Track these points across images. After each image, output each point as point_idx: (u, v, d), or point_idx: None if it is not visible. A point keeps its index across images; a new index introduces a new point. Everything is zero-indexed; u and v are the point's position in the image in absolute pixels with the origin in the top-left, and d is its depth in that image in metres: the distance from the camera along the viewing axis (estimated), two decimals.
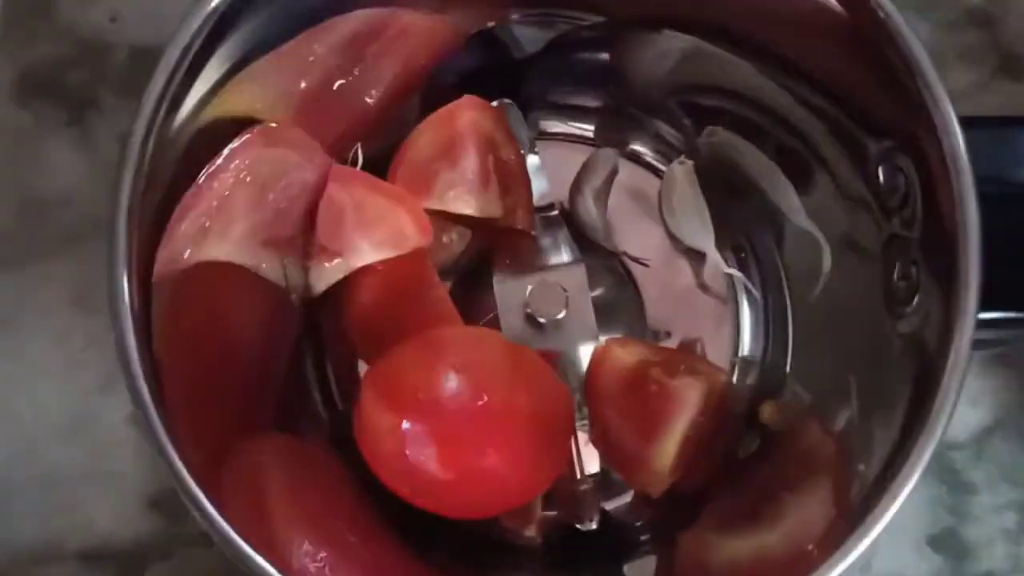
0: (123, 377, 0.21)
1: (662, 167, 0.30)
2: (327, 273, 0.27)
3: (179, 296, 0.24)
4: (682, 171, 0.29)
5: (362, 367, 0.28)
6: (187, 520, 0.28)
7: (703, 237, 0.29)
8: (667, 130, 0.30)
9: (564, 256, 0.29)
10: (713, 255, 0.29)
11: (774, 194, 0.27)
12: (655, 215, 0.30)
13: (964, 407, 0.32)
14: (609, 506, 0.28)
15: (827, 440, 0.24)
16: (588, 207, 0.29)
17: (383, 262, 0.26)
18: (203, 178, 0.24)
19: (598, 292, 0.29)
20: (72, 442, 0.32)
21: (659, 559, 0.27)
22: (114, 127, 0.34)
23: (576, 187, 0.29)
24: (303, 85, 0.26)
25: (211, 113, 0.24)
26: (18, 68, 0.34)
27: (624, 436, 0.26)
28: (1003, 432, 0.32)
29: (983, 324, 0.19)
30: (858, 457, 0.21)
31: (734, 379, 0.29)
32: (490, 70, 0.29)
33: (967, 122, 0.20)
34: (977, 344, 0.26)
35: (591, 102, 0.30)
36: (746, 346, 0.29)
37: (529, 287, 0.27)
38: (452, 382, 0.25)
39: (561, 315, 0.27)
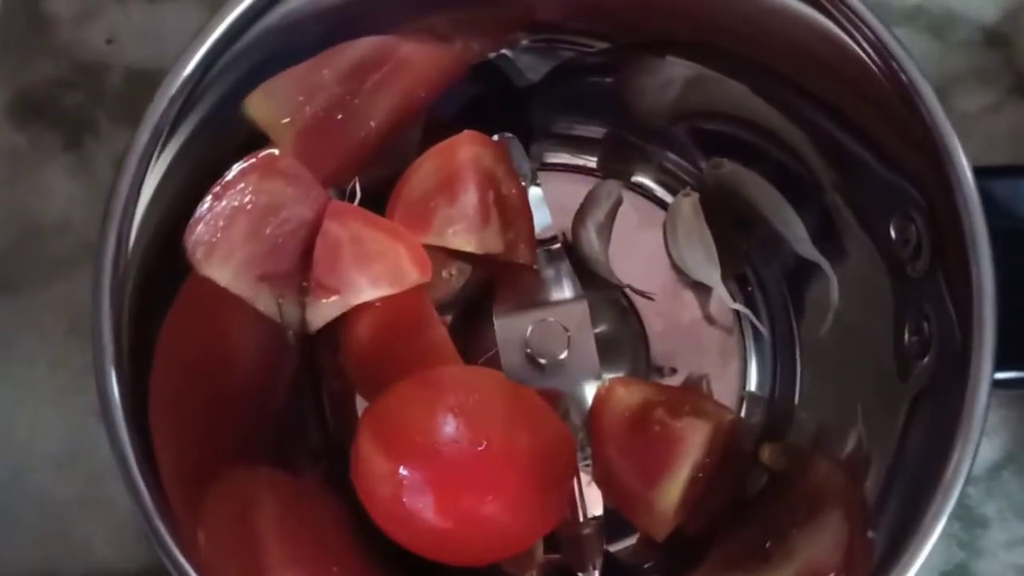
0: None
1: (667, 198, 0.30)
2: (324, 310, 0.26)
3: (181, 320, 0.24)
4: (687, 203, 0.29)
5: (360, 403, 0.28)
6: None
7: (709, 271, 0.28)
8: (671, 160, 0.29)
9: (566, 291, 0.28)
10: (719, 290, 0.28)
11: (780, 224, 0.26)
12: (660, 248, 0.29)
13: None
14: (614, 548, 0.28)
15: (837, 473, 0.24)
16: (591, 240, 0.28)
17: (381, 299, 0.26)
18: (218, 187, 0.24)
19: (601, 328, 0.28)
20: (69, 468, 0.31)
21: None
22: (111, 151, 0.33)
23: (579, 219, 0.28)
24: (308, 110, 0.25)
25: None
26: (14, 90, 0.33)
27: (628, 478, 0.26)
28: (1015, 466, 0.32)
29: (999, 384, 0.18)
30: (871, 498, 0.20)
31: (741, 415, 0.29)
32: (492, 101, 0.28)
33: (982, 172, 0.19)
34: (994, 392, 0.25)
35: (594, 132, 0.30)
36: (753, 381, 0.29)
37: (530, 327, 0.27)
38: (450, 426, 0.24)
39: (563, 355, 0.26)
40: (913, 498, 0.18)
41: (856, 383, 0.24)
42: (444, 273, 0.27)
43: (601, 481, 0.27)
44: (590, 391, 0.27)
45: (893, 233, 0.21)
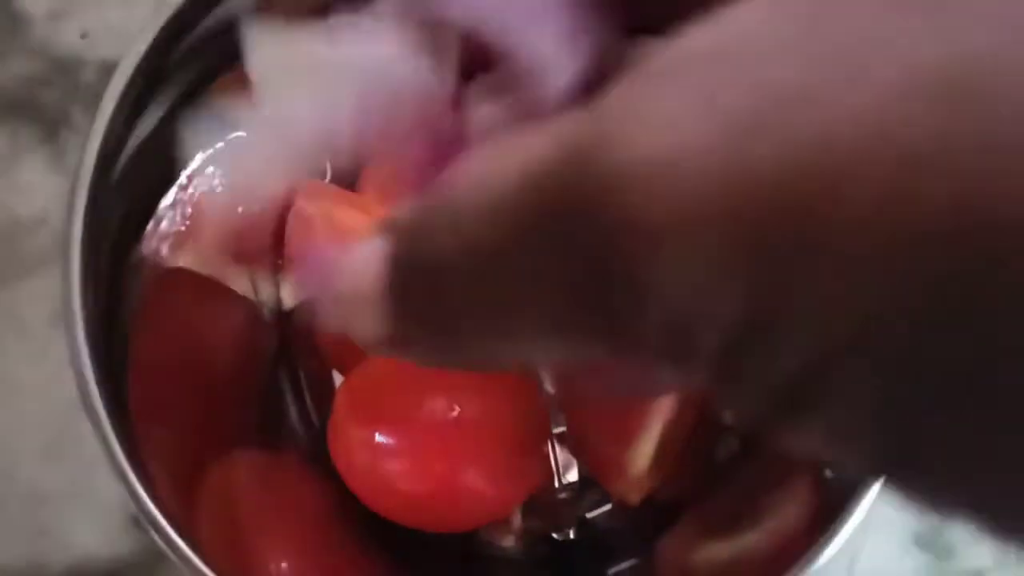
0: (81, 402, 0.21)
1: None
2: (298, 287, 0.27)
3: (155, 308, 0.24)
4: None
5: (337, 379, 0.28)
6: None
7: None
8: None
9: None
10: None
11: None
12: None
13: None
14: (591, 514, 0.28)
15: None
16: None
17: None
18: (184, 179, 0.24)
19: None
20: (53, 460, 0.32)
21: (641, 565, 0.27)
22: None
23: None
24: None
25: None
26: None
27: (601, 442, 0.26)
28: None
29: None
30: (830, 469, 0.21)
31: None
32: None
33: None
34: None
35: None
36: None
37: None
38: (425, 393, 0.25)
39: None
40: None
41: None
42: None
43: (576, 448, 0.28)
44: None
45: None
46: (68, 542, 0.31)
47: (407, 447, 0.24)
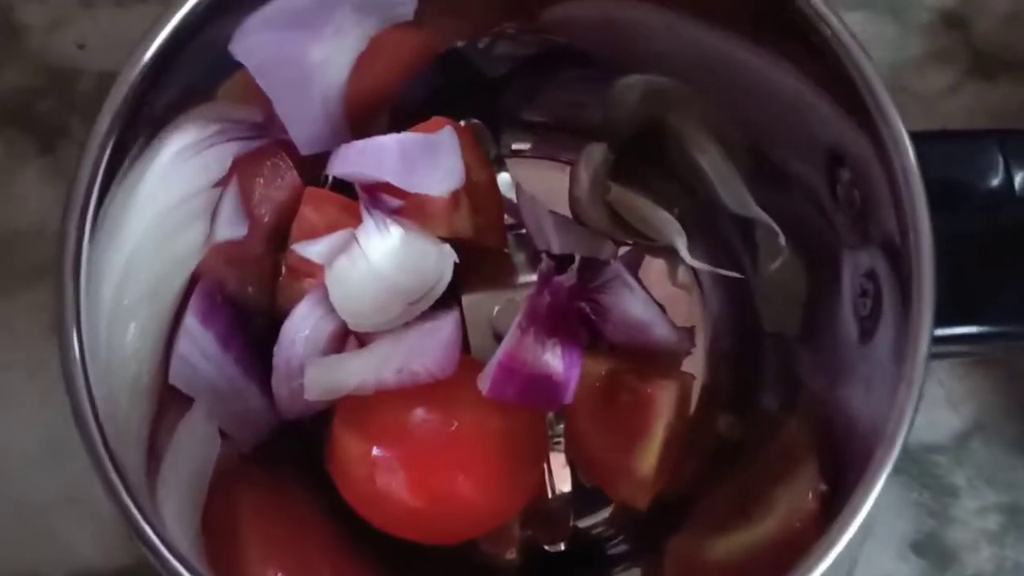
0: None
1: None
2: (296, 293, 0.27)
3: None
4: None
5: None
6: None
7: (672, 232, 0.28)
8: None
9: (535, 274, 0.28)
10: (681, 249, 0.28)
11: (721, 185, 0.27)
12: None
13: (945, 410, 0.33)
14: (584, 523, 0.28)
15: (806, 430, 0.24)
16: (586, 209, 0.28)
17: None
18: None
19: None
20: (50, 470, 0.32)
21: (645, 569, 0.27)
22: None
23: (571, 194, 0.29)
24: None
25: None
26: None
27: (603, 449, 0.26)
28: (984, 434, 0.32)
29: (942, 340, 0.19)
30: (833, 448, 0.21)
31: (709, 375, 0.29)
32: (459, 89, 0.29)
33: (922, 137, 0.19)
34: (945, 355, 0.26)
35: (563, 121, 0.30)
36: (719, 340, 0.29)
37: (496, 307, 0.27)
38: (422, 407, 0.25)
39: None
40: (871, 446, 0.19)
41: (813, 339, 0.25)
42: None
43: (576, 458, 0.28)
44: None
45: (838, 194, 0.21)
46: (66, 552, 0.31)
47: (404, 461, 0.24)
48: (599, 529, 0.29)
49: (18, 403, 0.32)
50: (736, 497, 0.25)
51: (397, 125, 0.27)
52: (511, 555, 0.28)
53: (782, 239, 0.25)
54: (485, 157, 0.28)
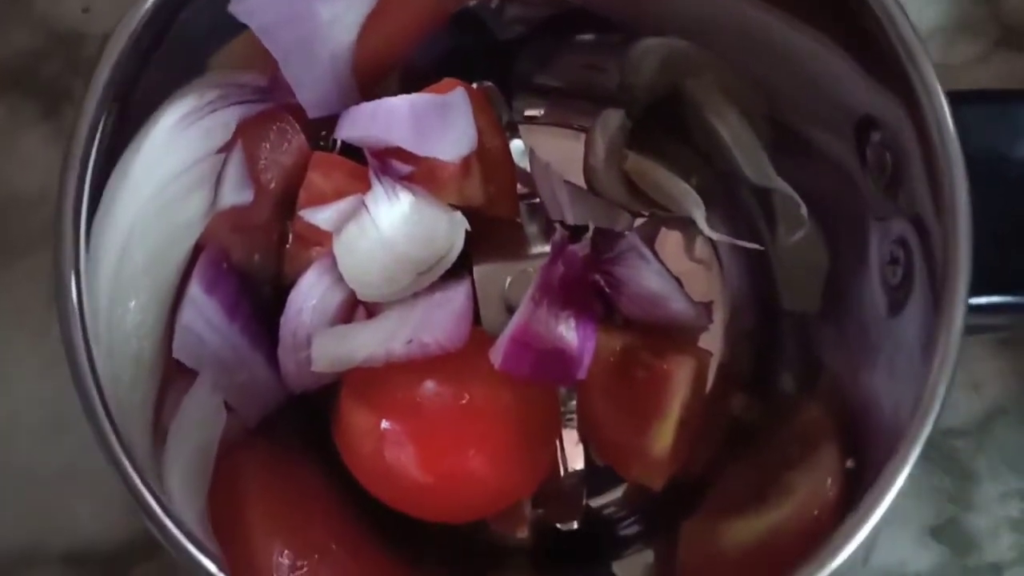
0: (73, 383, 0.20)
1: None
2: (304, 262, 0.26)
3: None
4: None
5: None
6: None
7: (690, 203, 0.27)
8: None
9: (548, 246, 0.28)
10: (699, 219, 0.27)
11: (741, 154, 0.26)
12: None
13: (967, 392, 0.32)
14: (596, 503, 0.28)
15: (826, 412, 0.23)
16: (600, 177, 0.27)
17: None
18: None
19: None
20: (52, 442, 0.31)
21: (657, 551, 0.27)
22: None
23: (586, 161, 0.28)
24: None
25: None
26: None
27: (617, 427, 0.26)
28: (1006, 419, 0.31)
29: (976, 310, 0.18)
30: (853, 433, 0.20)
31: (727, 353, 0.28)
32: (471, 52, 0.28)
33: (959, 97, 0.19)
34: (976, 328, 0.25)
35: (578, 86, 0.29)
36: (738, 317, 0.29)
37: (509, 279, 0.26)
38: (432, 381, 0.24)
39: None
40: (893, 428, 0.18)
41: (836, 315, 0.24)
42: None
43: (589, 436, 0.27)
44: None
45: (868, 160, 0.20)
46: (67, 525, 0.31)
47: (413, 434, 0.24)
48: (611, 509, 0.28)
49: (20, 372, 0.32)
50: (753, 480, 0.24)
51: (407, 89, 0.26)
52: (522, 534, 0.27)
53: (804, 210, 0.24)
54: (498, 122, 0.27)
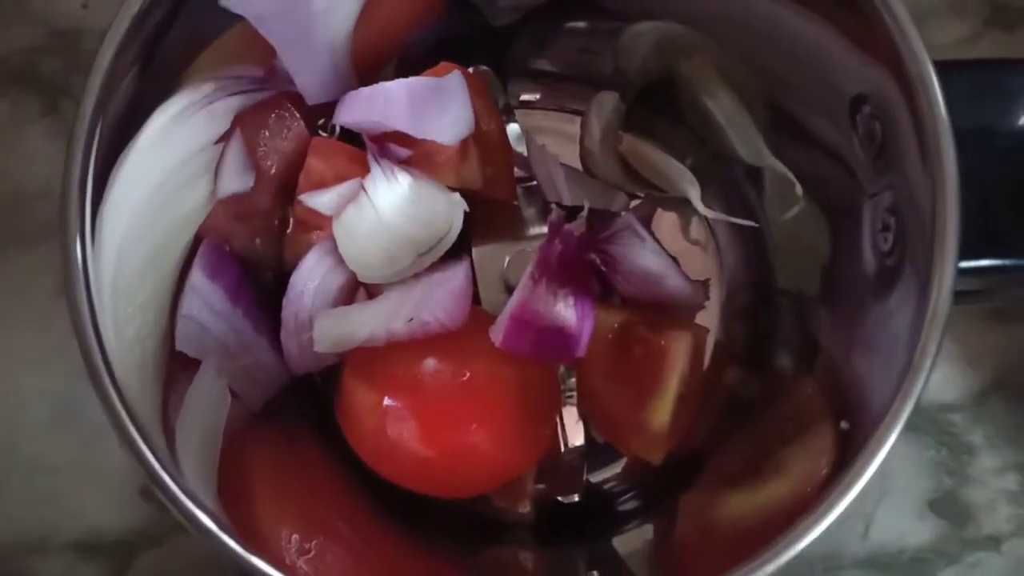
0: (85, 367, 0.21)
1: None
2: (305, 246, 0.26)
3: None
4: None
5: None
6: None
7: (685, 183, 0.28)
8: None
9: (545, 227, 0.28)
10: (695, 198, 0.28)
11: (735, 134, 0.26)
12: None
13: (962, 368, 0.32)
14: (596, 478, 0.28)
15: (820, 390, 0.24)
16: (596, 159, 0.28)
17: None
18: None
19: None
20: (59, 432, 0.32)
21: (656, 526, 0.27)
22: None
23: (582, 143, 0.28)
24: None
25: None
26: None
27: (616, 403, 0.26)
28: (1002, 393, 0.32)
29: (965, 273, 0.18)
30: (847, 408, 0.20)
31: (723, 331, 0.29)
32: (467, 37, 0.28)
33: (946, 67, 0.19)
34: (967, 296, 0.26)
35: (573, 70, 0.30)
36: (734, 296, 0.29)
37: (507, 258, 0.27)
38: (434, 358, 0.24)
39: None
40: (884, 402, 0.18)
41: (831, 292, 0.24)
42: None
43: (588, 413, 0.27)
44: None
45: (858, 131, 0.21)
46: (75, 514, 0.31)
47: (415, 410, 0.24)
48: (611, 484, 0.28)
49: (27, 363, 0.32)
50: (749, 456, 0.25)
51: (404, 74, 0.26)
52: (524, 509, 0.28)
53: (798, 188, 0.25)
54: (494, 105, 0.27)
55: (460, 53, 0.27)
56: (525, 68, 0.30)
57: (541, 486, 0.28)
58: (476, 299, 0.26)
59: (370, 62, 0.26)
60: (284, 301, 0.26)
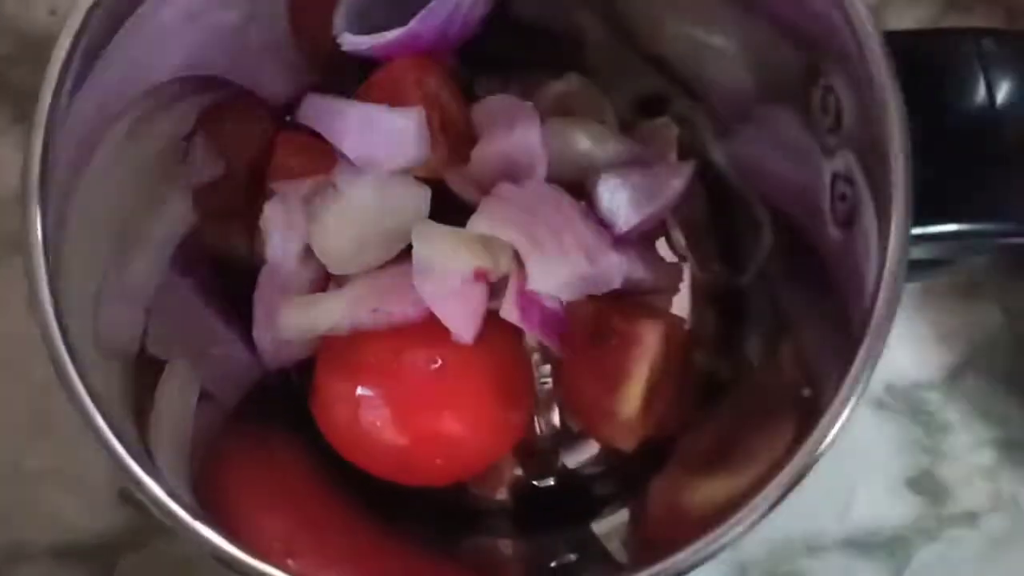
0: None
1: None
2: None
3: None
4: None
5: None
6: None
7: None
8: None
9: None
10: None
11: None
12: None
13: (935, 345, 0.32)
14: (572, 462, 0.28)
15: (787, 383, 0.24)
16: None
17: None
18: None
19: None
20: (35, 438, 0.31)
21: (632, 509, 0.27)
22: None
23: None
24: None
25: None
26: None
27: (589, 391, 0.26)
28: (975, 370, 0.32)
29: (920, 239, 0.18)
30: (812, 383, 0.21)
31: (697, 315, 0.29)
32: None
33: (896, 36, 0.19)
34: (929, 268, 0.26)
35: (540, 58, 0.30)
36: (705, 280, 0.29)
37: None
38: (406, 346, 0.25)
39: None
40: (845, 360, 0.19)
41: (794, 275, 0.25)
42: None
43: (563, 401, 0.27)
44: None
45: (815, 105, 0.21)
46: (52, 520, 0.31)
47: (388, 398, 0.24)
48: (588, 469, 0.28)
49: (3, 373, 0.32)
50: (718, 440, 0.25)
51: (367, 67, 0.27)
52: (501, 495, 0.28)
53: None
54: (460, 95, 0.28)
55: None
56: (493, 58, 0.30)
57: (517, 472, 0.28)
58: None
59: (327, 55, 0.27)
60: (255, 295, 0.26)
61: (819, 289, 0.23)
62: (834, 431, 0.18)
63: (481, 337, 0.25)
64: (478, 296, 0.24)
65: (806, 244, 0.23)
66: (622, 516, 0.27)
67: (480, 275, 0.24)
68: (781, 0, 0.21)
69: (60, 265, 0.21)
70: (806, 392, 0.20)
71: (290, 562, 0.23)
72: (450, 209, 0.27)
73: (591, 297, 0.26)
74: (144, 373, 0.24)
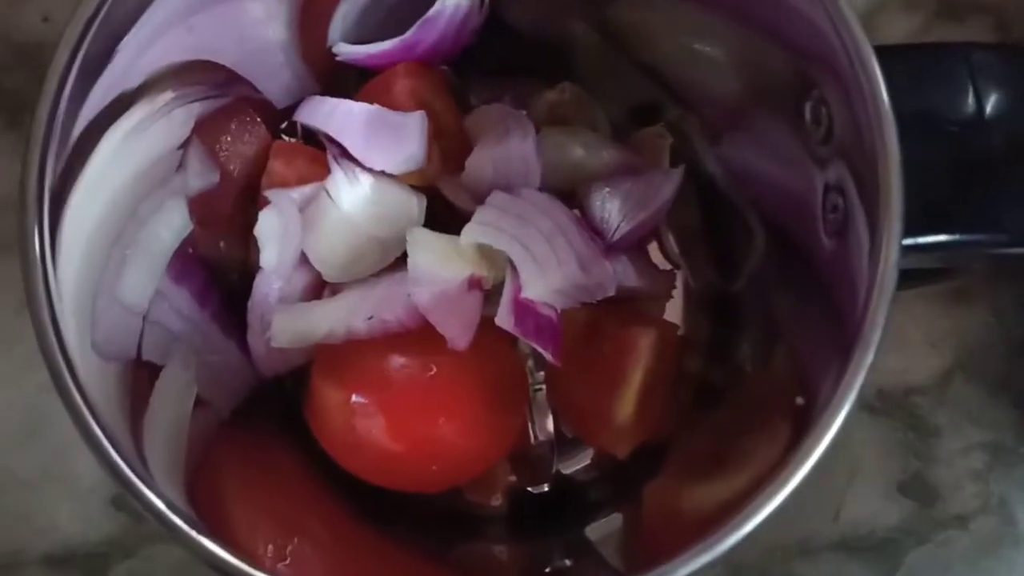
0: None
1: None
2: None
3: None
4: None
5: None
6: None
7: None
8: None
9: None
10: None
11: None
12: None
13: (925, 350, 0.33)
14: (567, 468, 0.28)
15: (779, 389, 0.24)
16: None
17: None
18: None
19: None
20: (27, 445, 0.31)
21: (626, 514, 0.27)
22: None
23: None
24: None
25: None
26: None
27: (583, 396, 0.26)
28: (965, 374, 0.32)
29: (911, 250, 0.19)
30: (805, 390, 0.21)
31: (692, 321, 0.29)
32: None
33: (887, 51, 0.19)
34: (920, 276, 0.26)
35: (534, 67, 0.30)
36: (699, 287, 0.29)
37: None
38: (400, 354, 0.25)
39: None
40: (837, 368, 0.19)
41: (784, 277, 0.25)
42: None
43: (557, 406, 0.28)
44: None
45: (807, 117, 0.21)
46: (46, 527, 0.31)
47: (383, 406, 0.24)
48: (582, 475, 0.29)
49: None
50: (712, 445, 0.25)
51: (364, 75, 0.27)
52: (496, 501, 0.28)
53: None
54: (455, 104, 0.28)
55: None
56: (486, 66, 0.30)
57: (512, 478, 0.28)
58: None
59: (329, 63, 0.27)
60: (249, 303, 0.26)
61: (811, 297, 0.23)
62: (827, 439, 0.18)
63: (475, 344, 0.25)
64: (472, 304, 0.24)
65: (799, 252, 0.23)
66: (616, 521, 0.27)
67: (474, 283, 0.24)
68: (773, 12, 0.21)
69: (56, 272, 0.21)
70: (799, 400, 0.20)
71: (283, 568, 0.23)
72: (444, 217, 0.27)
73: (585, 304, 0.26)
74: (140, 380, 0.24)
